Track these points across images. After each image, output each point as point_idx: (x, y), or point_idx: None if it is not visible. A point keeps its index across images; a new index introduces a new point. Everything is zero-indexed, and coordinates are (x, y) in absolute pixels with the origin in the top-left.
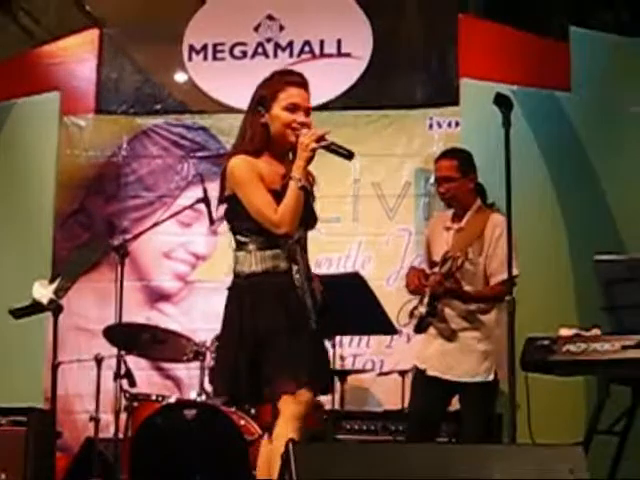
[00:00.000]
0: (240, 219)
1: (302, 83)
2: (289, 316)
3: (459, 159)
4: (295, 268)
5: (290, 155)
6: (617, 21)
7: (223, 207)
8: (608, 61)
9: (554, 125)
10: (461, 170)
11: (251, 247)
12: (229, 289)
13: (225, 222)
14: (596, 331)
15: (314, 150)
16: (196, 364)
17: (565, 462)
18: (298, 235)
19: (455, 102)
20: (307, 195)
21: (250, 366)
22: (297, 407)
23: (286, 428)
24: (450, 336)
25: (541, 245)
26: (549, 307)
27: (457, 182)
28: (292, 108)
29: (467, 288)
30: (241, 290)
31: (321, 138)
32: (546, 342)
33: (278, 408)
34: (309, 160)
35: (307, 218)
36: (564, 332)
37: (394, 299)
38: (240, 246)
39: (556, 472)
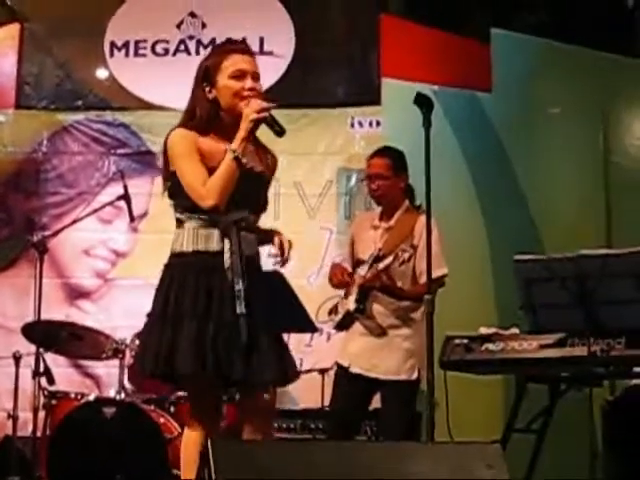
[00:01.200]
0: (180, 196)
1: (245, 49)
2: (209, 299)
3: (392, 158)
4: (227, 248)
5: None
6: (538, 23)
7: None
8: (528, 63)
9: (475, 126)
10: (394, 169)
11: (187, 225)
12: (164, 266)
13: (168, 199)
14: (515, 330)
15: (255, 121)
16: (115, 362)
17: (483, 459)
18: (238, 216)
19: (377, 101)
20: (257, 176)
21: (169, 346)
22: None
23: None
24: (377, 333)
25: (461, 245)
26: (469, 306)
27: (389, 180)
28: (239, 75)
29: (399, 285)
30: (172, 269)
31: (263, 110)
32: (465, 341)
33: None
34: (250, 131)
35: (251, 199)
36: (483, 331)
37: (315, 297)
38: (178, 224)
39: (474, 469)
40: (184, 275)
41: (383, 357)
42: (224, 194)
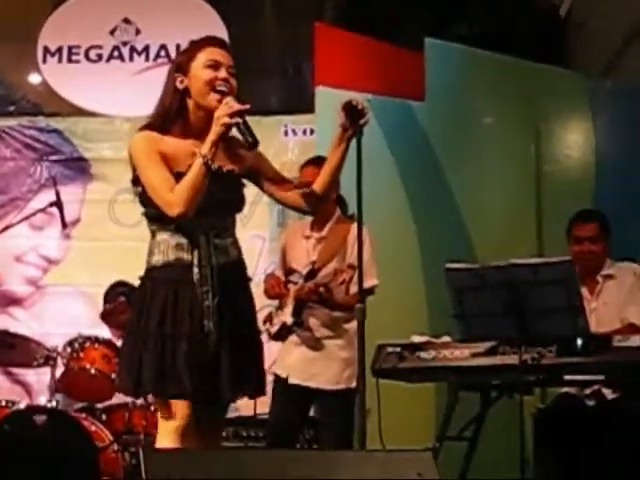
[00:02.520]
0: (147, 204)
1: (222, 44)
2: (175, 315)
3: None
4: (195, 262)
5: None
6: (471, 33)
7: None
8: (462, 72)
9: (408, 135)
10: None
11: (158, 236)
12: (140, 279)
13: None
14: (447, 338)
15: (226, 125)
16: (46, 369)
17: (414, 467)
18: (208, 222)
19: (310, 110)
20: (227, 176)
21: (137, 364)
22: (164, 420)
23: (160, 431)
24: (314, 344)
25: (393, 253)
26: (401, 315)
27: None
28: (214, 65)
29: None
30: (145, 283)
31: (236, 114)
32: (397, 349)
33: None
34: (221, 135)
35: (224, 201)
36: (415, 339)
37: None
38: (151, 234)
39: (405, 477)
40: (154, 289)
41: (322, 367)
42: (192, 201)
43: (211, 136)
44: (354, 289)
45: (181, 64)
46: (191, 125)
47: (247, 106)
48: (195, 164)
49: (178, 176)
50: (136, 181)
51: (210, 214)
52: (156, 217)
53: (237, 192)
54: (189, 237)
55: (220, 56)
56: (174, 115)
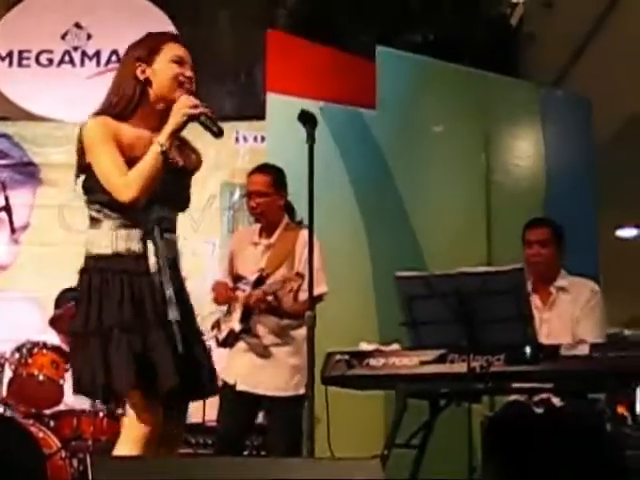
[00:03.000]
0: (94, 191)
1: (182, 41)
2: (136, 306)
3: (273, 175)
4: (152, 250)
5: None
6: (422, 42)
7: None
8: (412, 80)
9: (360, 143)
10: (274, 186)
11: (104, 225)
12: (79, 272)
13: (83, 196)
14: (396, 346)
15: (187, 116)
16: None
17: (362, 474)
18: (158, 214)
19: (262, 116)
20: (180, 171)
21: (101, 359)
22: (130, 419)
23: (124, 435)
24: (262, 352)
25: (343, 261)
26: (351, 322)
27: (269, 197)
28: (179, 61)
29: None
30: (89, 274)
31: (197, 106)
32: (346, 357)
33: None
34: (180, 127)
35: (174, 196)
36: (364, 346)
37: (197, 311)
38: (92, 223)
39: None
40: (104, 280)
41: (269, 373)
42: (146, 187)
43: (170, 126)
44: (302, 296)
45: (143, 54)
46: (151, 115)
47: (207, 108)
48: (152, 151)
49: (132, 162)
50: (82, 168)
51: (160, 207)
52: (104, 203)
53: (186, 190)
54: (139, 227)
55: (184, 54)
56: (135, 104)
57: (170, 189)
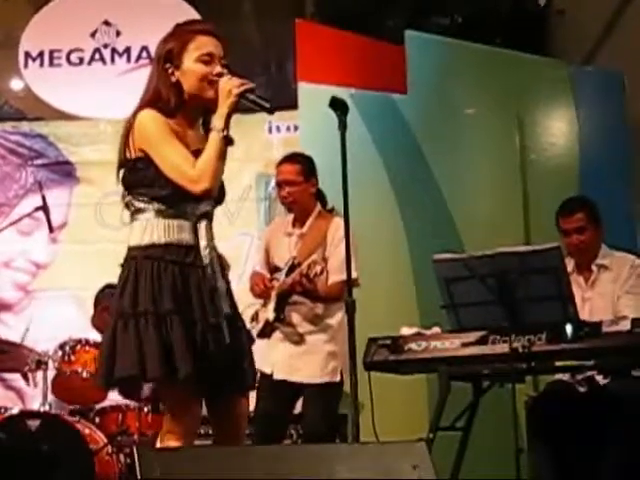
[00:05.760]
0: (143, 184)
1: (212, 31)
2: (187, 296)
3: (301, 163)
4: (203, 243)
5: (201, 121)
6: (451, 24)
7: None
8: (443, 64)
9: (392, 128)
10: (303, 174)
11: (152, 215)
12: (122, 265)
13: (124, 189)
14: (437, 329)
15: (238, 95)
16: (39, 374)
17: (408, 458)
18: (207, 207)
19: (294, 106)
20: None
21: (159, 346)
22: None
23: (164, 429)
24: (297, 339)
25: (381, 247)
26: (391, 307)
27: (299, 186)
28: (207, 60)
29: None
30: (138, 263)
31: (242, 84)
32: (388, 342)
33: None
34: (232, 107)
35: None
36: (405, 331)
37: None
38: (137, 214)
39: (399, 468)
40: (156, 269)
41: (305, 361)
42: (216, 176)
43: (223, 109)
44: (330, 280)
45: (171, 54)
46: (188, 113)
47: (252, 85)
48: (212, 139)
49: (194, 153)
50: (130, 162)
51: (205, 200)
52: (157, 197)
53: (222, 183)
54: (191, 218)
55: (213, 47)
56: (173, 104)
57: None
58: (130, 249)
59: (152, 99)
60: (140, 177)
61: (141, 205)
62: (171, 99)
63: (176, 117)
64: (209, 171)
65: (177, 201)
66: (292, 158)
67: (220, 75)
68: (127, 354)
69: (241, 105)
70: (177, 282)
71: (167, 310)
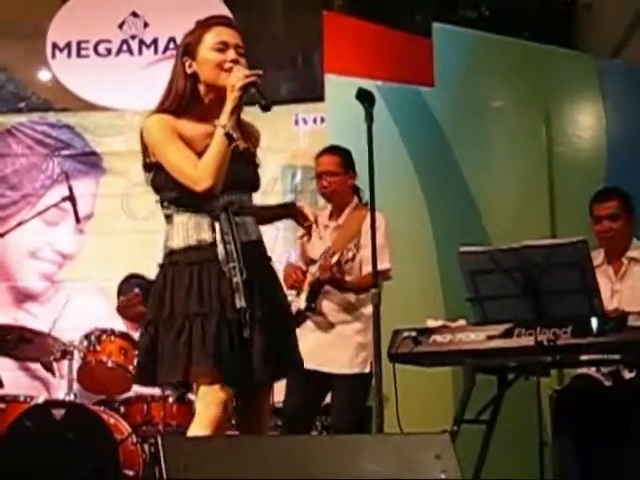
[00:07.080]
0: (164, 188)
1: (228, 22)
2: (203, 295)
3: (341, 156)
4: (219, 239)
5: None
6: (479, 17)
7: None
8: (470, 57)
9: (419, 120)
10: (343, 166)
11: (176, 220)
12: (159, 266)
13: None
14: (462, 322)
15: (242, 88)
16: (64, 363)
17: (432, 449)
18: (227, 199)
19: (320, 98)
20: (243, 154)
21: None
22: (202, 402)
23: (197, 418)
24: (328, 329)
25: (407, 239)
26: (416, 299)
27: (339, 177)
28: (222, 48)
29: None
30: (164, 269)
31: (249, 76)
32: (413, 334)
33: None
34: (237, 102)
35: (241, 179)
36: (431, 323)
37: None
38: (167, 219)
39: (423, 459)
40: (177, 273)
41: (335, 351)
42: (219, 174)
43: (228, 105)
44: (364, 270)
45: (188, 47)
46: (205, 109)
47: (259, 71)
48: (216, 136)
49: (197, 156)
50: (148, 167)
51: (227, 191)
52: (173, 200)
53: (253, 169)
54: (209, 216)
55: (228, 36)
56: (188, 100)
57: (235, 172)
58: (163, 255)
59: (167, 94)
60: (156, 182)
61: (166, 211)
62: (181, 91)
63: (189, 113)
64: (211, 169)
65: (191, 201)
66: (333, 150)
67: (235, 62)
68: (171, 360)
69: (273, 97)
70: (193, 283)
71: (178, 312)
